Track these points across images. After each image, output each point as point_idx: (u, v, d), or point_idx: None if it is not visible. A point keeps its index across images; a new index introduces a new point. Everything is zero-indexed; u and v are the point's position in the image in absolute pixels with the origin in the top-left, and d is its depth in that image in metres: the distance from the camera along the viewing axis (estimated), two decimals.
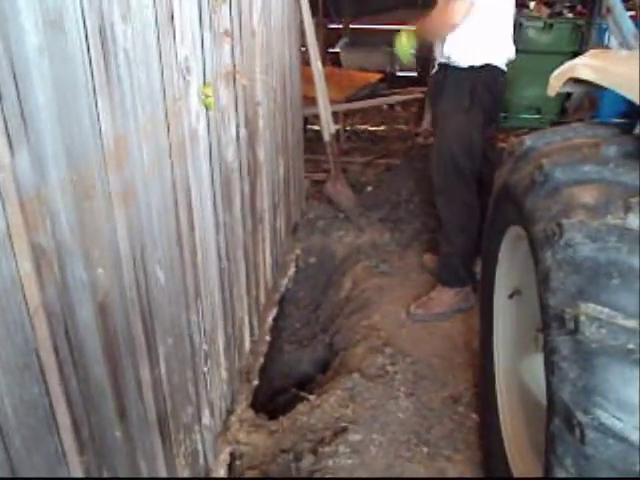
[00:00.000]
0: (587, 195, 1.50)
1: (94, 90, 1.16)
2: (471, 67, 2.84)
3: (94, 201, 1.19)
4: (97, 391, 1.24)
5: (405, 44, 3.12)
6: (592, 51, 2.30)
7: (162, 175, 1.55)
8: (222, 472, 2.17)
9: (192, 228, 1.81)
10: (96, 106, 1.18)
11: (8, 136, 0.92)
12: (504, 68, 2.94)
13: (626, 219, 1.41)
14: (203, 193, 1.89)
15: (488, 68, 2.85)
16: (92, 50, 1.16)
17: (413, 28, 3.10)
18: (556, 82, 2.10)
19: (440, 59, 3.03)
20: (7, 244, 0.94)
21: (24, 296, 0.98)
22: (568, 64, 2.13)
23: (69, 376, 1.13)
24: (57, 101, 1.05)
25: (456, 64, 2.88)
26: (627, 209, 1.42)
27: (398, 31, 3.18)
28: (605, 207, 1.45)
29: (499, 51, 2.91)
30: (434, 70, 3.09)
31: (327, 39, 7.36)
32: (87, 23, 1.14)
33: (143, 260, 1.45)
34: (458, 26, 2.73)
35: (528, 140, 1.83)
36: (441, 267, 3.19)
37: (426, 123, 5.48)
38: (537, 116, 5.52)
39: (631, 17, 3.20)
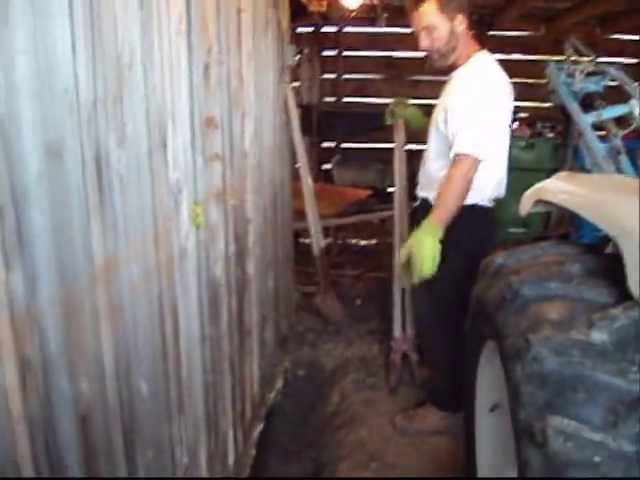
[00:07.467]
0: (552, 311, 1.57)
1: (87, 214, 1.26)
2: None
3: (81, 318, 1.25)
4: None
5: (428, 253, 2.41)
6: (560, 174, 2.44)
7: (150, 292, 1.62)
8: None
9: (178, 343, 1.86)
10: (89, 229, 1.27)
11: (5, 254, 0.99)
12: (491, 206, 2.75)
13: (589, 334, 1.47)
14: (190, 309, 1.95)
15: (474, 210, 2.64)
16: (88, 176, 1.27)
17: (434, 225, 2.45)
18: (526, 203, 2.23)
19: (421, 193, 2.88)
20: None
21: (7, 406, 1.02)
22: (537, 186, 2.26)
23: None
24: (52, 223, 1.13)
25: None
26: (590, 325, 1.49)
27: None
28: (569, 323, 1.52)
29: (488, 192, 2.70)
30: (416, 203, 2.95)
31: (321, 157, 7.68)
32: (85, 151, 1.25)
33: (127, 373, 1.49)
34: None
35: (499, 258, 1.93)
36: (430, 389, 3.20)
37: None
38: (523, 230, 5.65)
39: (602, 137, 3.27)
